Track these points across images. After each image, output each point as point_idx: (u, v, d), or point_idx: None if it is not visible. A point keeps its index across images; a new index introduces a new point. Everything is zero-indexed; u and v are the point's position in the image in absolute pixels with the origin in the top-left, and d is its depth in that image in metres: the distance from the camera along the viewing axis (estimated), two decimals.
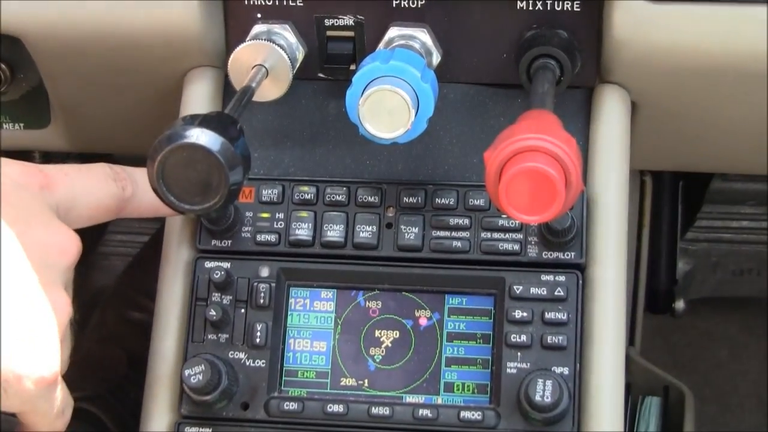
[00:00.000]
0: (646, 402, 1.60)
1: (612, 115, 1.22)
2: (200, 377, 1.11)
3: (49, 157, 2.02)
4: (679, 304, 2.12)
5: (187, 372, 1.11)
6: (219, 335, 1.17)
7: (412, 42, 1.17)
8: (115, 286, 1.97)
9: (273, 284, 1.18)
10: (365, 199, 1.19)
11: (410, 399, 1.16)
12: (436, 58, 1.18)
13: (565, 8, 1.18)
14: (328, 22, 1.21)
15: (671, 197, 2.05)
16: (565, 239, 1.15)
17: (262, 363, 1.16)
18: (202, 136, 1.00)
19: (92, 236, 2.30)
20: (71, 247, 0.98)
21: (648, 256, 1.98)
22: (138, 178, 1.08)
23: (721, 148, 1.38)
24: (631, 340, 1.87)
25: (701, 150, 1.39)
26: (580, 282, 1.16)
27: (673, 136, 1.34)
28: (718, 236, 2.19)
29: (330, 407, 1.15)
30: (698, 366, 2.34)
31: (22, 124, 1.41)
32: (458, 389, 1.16)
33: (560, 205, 0.99)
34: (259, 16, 1.21)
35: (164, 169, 1.00)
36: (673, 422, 1.62)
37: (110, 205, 1.05)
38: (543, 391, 1.09)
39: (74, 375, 1.67)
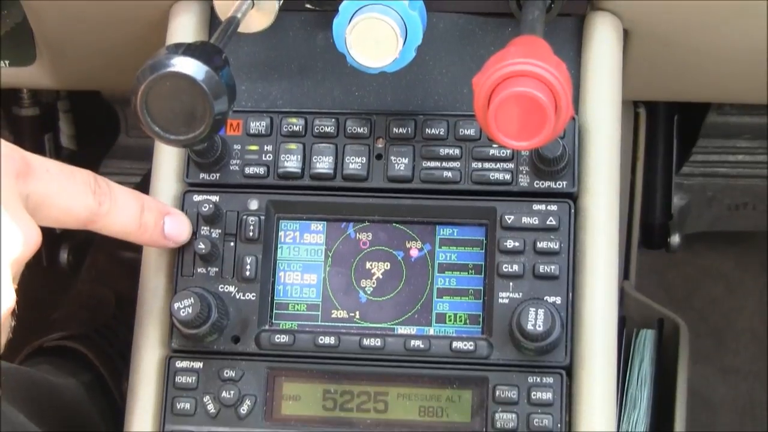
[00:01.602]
0: (641, 335, 1.59)
1: (604, 42, 1.20)
2: (189, 310, 1.10)
3: (37, 95, 2.01)
4: (674, 239, 2.12)
5: (176, 305, 1.11)
6: (208, 269, 1.16)
7: None
8: None
9: (262, 217, 1.17)
10: (354, 130, 1.18)
11: (402, 330, 1.15)
12: None
13: None
14: None
15: (666, 131, 2.03)
16: (557, 168, 1.14)
17: (252, 296, 1.15)
18: (186, 65, 0.98)
19: None
20: (29, 240, 0.94)
21: (642, 191, 1.97)
22: (119, 196, 1.05)
23: (716, 76, 1.36)
24: (625, 275, 1.87)
25: (696, 78, 1.38)
26: (572, 211, 1.15)
27: (666, 64, 1.32)
28: (714, 170, 2.17)
29: (321, 339, 1.14)
30: (693, 302, 2.34)
31: (7, 61, 1.40)
32: (450, 320, 1.15)
33: (550, 131, 0.97)
34: None
35: (148, 100, 0.99)
36: (667, 355, 1.62)
37: (80, 215, 1.01)
38: (535, 320, 1.08)
39: (62, 315, 1.67)
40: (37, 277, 2.15)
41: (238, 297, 1.15)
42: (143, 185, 1.24)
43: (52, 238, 2.16)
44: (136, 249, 1.21)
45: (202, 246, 1.14)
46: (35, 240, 0.95)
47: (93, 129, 2.22)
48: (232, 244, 1.17)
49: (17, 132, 2.09)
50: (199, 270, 1.16)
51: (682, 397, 1.56)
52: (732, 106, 2.08)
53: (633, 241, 1.96)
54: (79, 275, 1.94)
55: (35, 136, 2.10)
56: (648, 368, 1.54)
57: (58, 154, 2.16)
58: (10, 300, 0.92)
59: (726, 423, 2.25)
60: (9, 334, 0.98)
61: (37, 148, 2.12)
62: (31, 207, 0.97)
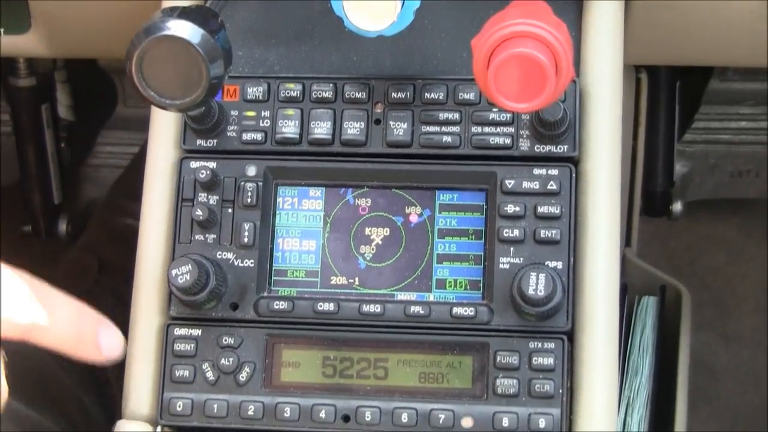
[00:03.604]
0: (643, 302, 1.58)
1: (605, 4, 1.18)
2: (187, 277, 1.09)
3: (34, 65, 2.00)
4: (676, 207, 2.11)
5: (173, 272, 1.10)
6: (206, 236, 1.15)
7: None
8: (106, 197, 1.96)
9: (260, 183, 1.16)
10: (352, 95, 1.17)
11: (402, 296, 1.14)
12: None
13: None
14: None
15: (668, 97, 2.02)
16: (558, 132, 1.13)
17: (251, 263, 1.15)
18: (182, 28, 0.97)
19: (81, 148, 2.28)
20: None
21: (644, 158, 1.95)
22: (57, 304, 0.97)
23: (718, 39, 1.34)
24: (627, 242, 1.86)
25: (698, 42, 1.36)
26: (573, 175, 1.13)
27: (668, 27, 1.31)
28: (716, 137, 2.16)
29: (320, 306, 1.13)
30: (696, 270, 2.33)
31: (2, 30, 1.38)
32: (450, 286, 1.14)
33: (551, 92, 0.96)
34: None
35: (143, 64, 0.98)
36: (669, 322, 1.61)
37: (18, 325, 0.98)
38: (536, 285, 1.07)
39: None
40: (35, 248, 2.16)
41: (236, 264, 1.15)
42: (141, 155, 1.23)
43: (51, 208, 2.16)
44: (135, 215, 1.20)
45: (199, 212, 1.14)
46: None
47: (90, 99, 2.21)
48: (229, 210, 1.16)
49: (14, 102, 2.09)
50: (196, 237, 1.15)
51: (684, 364, 1.56)
52: (735, 72, 2.07)
53: (634, 209, 1.94)
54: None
55: (32, 107, 2.10)
56: (650, 335, 1.53)
57: (56, 124, 2.15)
58: None
59: (728, 390, 2.25)
60: None
61: (35, 119, 2.11)
62: None
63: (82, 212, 2.10)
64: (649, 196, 2.07)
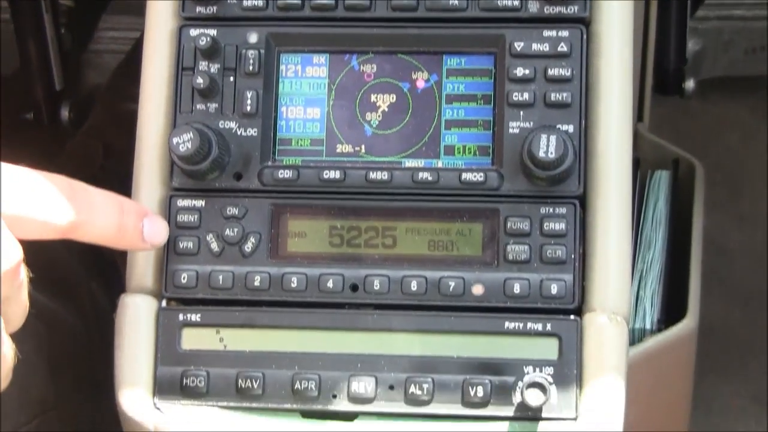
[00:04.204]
0: (656, 176, 1.55)
1: None
2: (189, 145, 1.07)
3: None
4: (689, 84, 2.06)
5: (175, 140, 1.07)
6: (208, 105, 1.12)
7: None
8: (108, 82, 1.93)
9: (262, 50, 1.13)
10: None
11: (409, 163, 1.12)
12: None
13: None
14: None
15: None
16: None
17: (254, 132, 1.12)
18: None
19: (82, 34, 2.25)
20: (10, 257, 0.89)
21: (657, 35, 1.91)
22: (97, 202, 0.99)
23: None
24: (639, 118, 1.82)
25: None
26: (584, 37, 1.10)
27: None
28: (730, 13, 2.12)
29: (326, 174, 1.11)
30: (709, 151, 2.29)
31: None
32: (459, 152, 1.11)
33: None
34: None
35: None
36: (682, 197, 1.58)
37: (60, 227, 0.95)
38: (547, 147, 1.04)
39: (49, 170, 1.63)
40: (38, 135, 2.14)
41: (239, 133, 1.12)
42: (142, 39, 1.19)
43: (53, 95, 2.13)
44: (136, 100, 1.18)
45: (200, 81, 1.11)
46: (17, 258, 0.90)
47: None
48: (231, 78, 1.13)
49: None
50: (198, 106, 1.13)
51: (697, 239, 1.53)
52: None
53: (647, 87, 1.90)
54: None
55: None
56: (663, 209, 1.51)
57: (55, 10, 2.11)
58: None
59: (741, 269, 2.24)
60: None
61: (34, 4, 2.07)
62: (9, 224, 0.91)
63: (85, 98, 2.07)
64: (661, 74, 2.02)
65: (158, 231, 1.07)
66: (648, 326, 1.38)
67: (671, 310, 1.41)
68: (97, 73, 2.19)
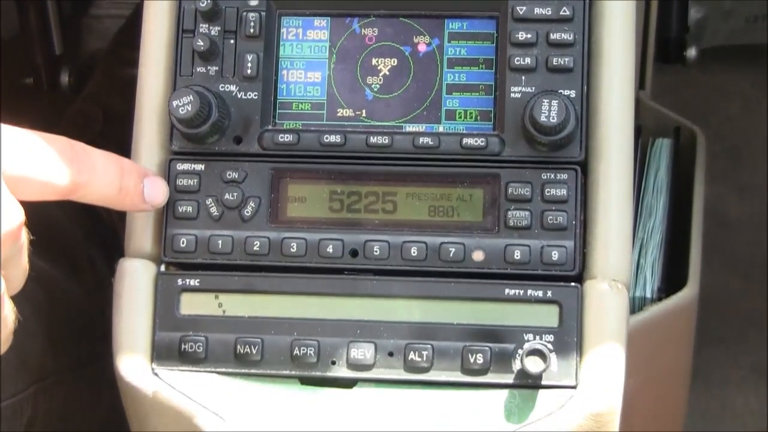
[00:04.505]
0: (657, 143, 1.55)
1: None
2: (189, 108, 1.06)
3: None
4: (691, 53, 2.06)
5: (174, 103, 1.06)
6: (208, 68, 1.12)
7: None
8: (108, 47, 1.92)
9: (263, 13, 1.12)
10: None
11: (410, 128, 1.11)
12: None
13: None
14: None
15: None
16: None
17: (254, 95, 1.11)
18: None
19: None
20: (11, 219, 0.88)
21: (659, 2, 1.90)
22: (97, 162, 0.99)
23: None
24: (641, 86, 1.81)
25: None
26: (587, 1, 1.09)
27: None
28: None
29: (326, 138, 1.10)
30: (710, 121, 2.29)
31: None
32: (460, 117, 1.11)
33: None
34: None
35: None
36: (684, 163, 1.58)
37: (61, 188, 0.94)
38: (549, 112, 1.04)
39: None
40: (38, 101, 2.13)
41: (239, 96, 1.11)
42: (142, 3, 1.18)
43: (53, 60, 2.12)
44: (136, 65, 1.17)
45: (200, 43, 1.10)
46: (19, 219, 0.89)
47: None
48: (232, 41, 1.12)
49: None
50: (198, 69, 1.12)
51: (698, 206, 1.52)
52: None
53: (648, 55, 1.89)
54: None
55: None
56: (664, 176, 1.50)
57: None
58: None
59: (742, 239, 2.23)
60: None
61: None
62: (10, 185, 0.90)
63: (85, 63, 2.05)
64: (663, 42, 2.02)
65: (159, 191, 1.07)
66: (648, 295, 1.38)
67: (671, 280, 1.41)
68: (97, 38, 2.18)
